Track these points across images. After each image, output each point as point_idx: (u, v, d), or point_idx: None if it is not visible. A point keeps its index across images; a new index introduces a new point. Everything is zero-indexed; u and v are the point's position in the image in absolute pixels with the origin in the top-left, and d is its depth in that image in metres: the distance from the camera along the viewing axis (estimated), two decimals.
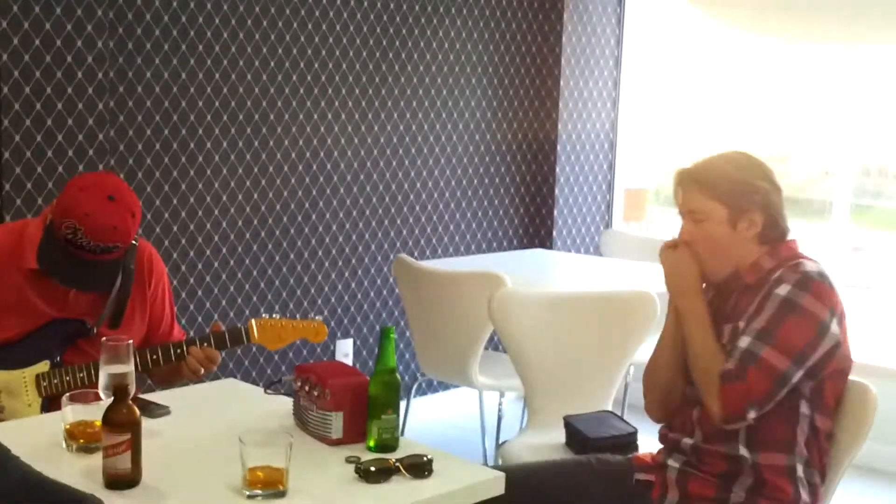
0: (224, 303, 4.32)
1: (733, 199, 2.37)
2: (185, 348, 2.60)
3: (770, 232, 2.39)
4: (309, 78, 4.47)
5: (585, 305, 3.47)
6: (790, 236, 2.44)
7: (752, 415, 2.27)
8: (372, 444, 2.12)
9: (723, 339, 2.39)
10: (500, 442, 3.72)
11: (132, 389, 2.04)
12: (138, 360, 2.50)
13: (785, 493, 2.33)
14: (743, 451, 2.34)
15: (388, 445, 2.11)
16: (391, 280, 4.77)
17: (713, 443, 2.39)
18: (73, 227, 2.45)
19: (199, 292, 4.24)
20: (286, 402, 2.35)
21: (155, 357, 2.59)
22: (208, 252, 4.25)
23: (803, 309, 2.27)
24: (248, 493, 1.87)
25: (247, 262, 4.39)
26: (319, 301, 4.67)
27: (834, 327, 2.29)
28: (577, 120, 5.47)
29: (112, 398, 1.93)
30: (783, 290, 2.28)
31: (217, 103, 4.19)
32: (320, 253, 4.64)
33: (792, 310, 2.27)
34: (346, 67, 4.60)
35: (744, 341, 2.29)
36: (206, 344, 2.61)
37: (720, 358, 2.33)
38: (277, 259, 4.49)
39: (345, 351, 4.81)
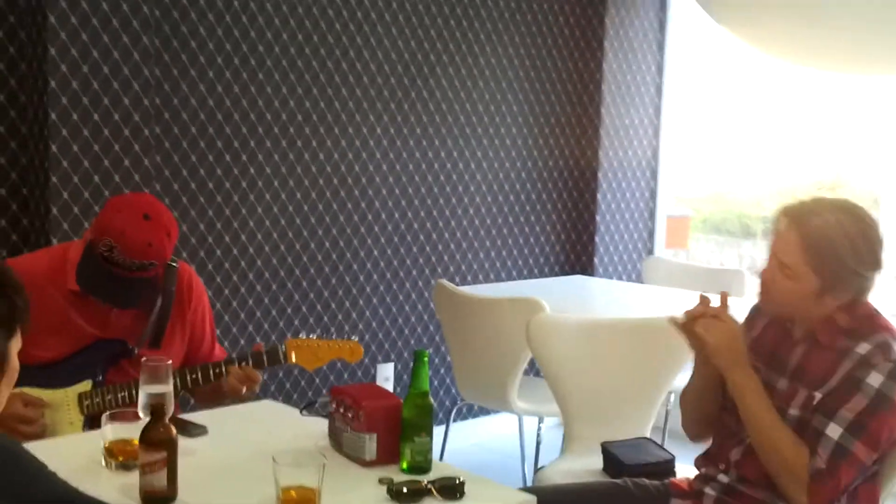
0: (266, 326, 4.36)
1: (833, 280, 2.23)
2: (223, 368, 2.64)
3: (850, 303, 2.29)
4: (351, 104, 4.52)
5: (624, 332, 3.46)
6: None
7: None
8: (405, 465, 2.13)
9: (777, 384, 2.33)
10: (539, 467, 3.71)
11: (170, 409, 2.07)
12: (178, 379, 2.54)
13: None
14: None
15: (421, 467, 2.12)
16: (432, 305, 4.78)
17: (750, 487, 2.36)
18: (109, 244, 2.50)
19: (242, 315, 4.29)
20: (322, 424, 2.36)
21: (194, 376, 2.63)
22: (251, 276, 4.30)
23: (895, 403, 2.20)
24: None
25: (289, 286, 4.43)
26: (361, 325, 4.70)
27: None
28: (618, 147, 5.47)
29: (150, 417, 1.97)
30: (876, 380, 2.18)
31: (261, 130, 4.25)
32: (362, 278, 4.68)
33: (885, 405, 2.18)
34: (388, 94, 4.65)
35: (834, 431, 2.19)
36: (244, 363, 2.65)
37: (793, 442, 2.24)
38: (319, 283, 4.53)
39: (386, 375, 4.83)
